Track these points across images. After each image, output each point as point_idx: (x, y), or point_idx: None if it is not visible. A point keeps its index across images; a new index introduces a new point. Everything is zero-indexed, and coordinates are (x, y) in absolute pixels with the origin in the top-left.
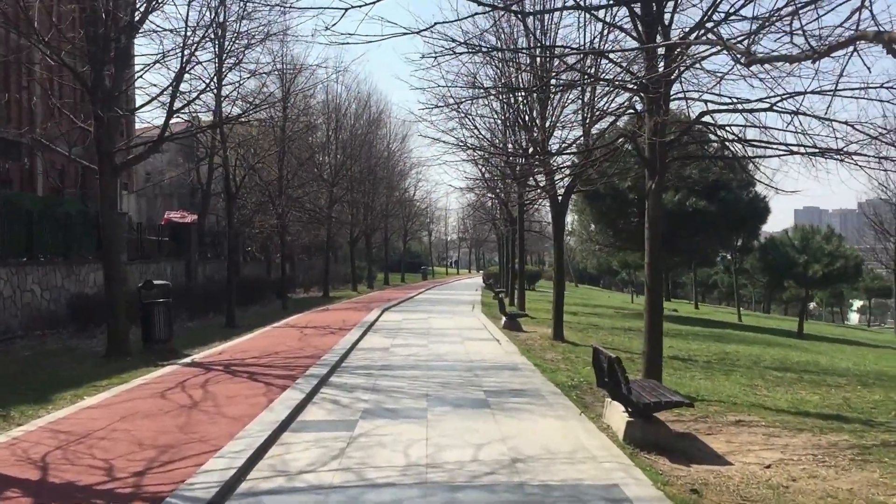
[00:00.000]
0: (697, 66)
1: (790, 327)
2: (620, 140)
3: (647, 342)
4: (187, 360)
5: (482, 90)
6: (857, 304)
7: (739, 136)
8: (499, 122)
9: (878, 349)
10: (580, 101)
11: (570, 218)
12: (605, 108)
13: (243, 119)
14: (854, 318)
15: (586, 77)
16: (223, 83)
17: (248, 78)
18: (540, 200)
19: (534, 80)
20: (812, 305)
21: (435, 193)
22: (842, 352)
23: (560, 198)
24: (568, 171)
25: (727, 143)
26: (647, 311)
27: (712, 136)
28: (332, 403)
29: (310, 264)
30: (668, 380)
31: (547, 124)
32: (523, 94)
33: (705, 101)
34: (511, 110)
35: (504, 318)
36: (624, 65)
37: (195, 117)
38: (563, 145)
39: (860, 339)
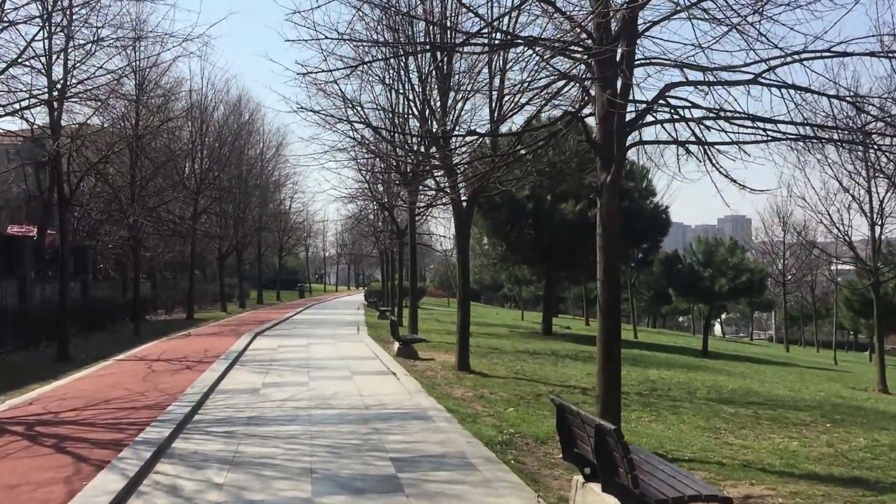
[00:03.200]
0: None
1: (685, 343)
2: (561, 121)
3: (603, 381)
4: None
5: (371, 46)
6: (722, 315)
7: (717, 114)
8: (386, 117)
9: (787, 367)
10: (497, 75)
11: None
12: (531, 80)
13: (81, 95)
14: (717, 329)
15: (507, 37)
16: (57, 60)
17: (91, 49)
18: (433, 208)
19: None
20: (681, 319)
21: (313, 205)
22: (762, 374)
23: (465, 203)
24: (475, 166)
25: (704, 123)
26: (601, 342)
27: (675, 116)
28: (166, 495)
29: (174, 283)
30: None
31: (449, 108)
32: (423, 54)
33: (681, 66)
34: (402, 95)
35: (397, 345)
36: (569, 14)
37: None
38: (469, 139)
39: (758, 356)
